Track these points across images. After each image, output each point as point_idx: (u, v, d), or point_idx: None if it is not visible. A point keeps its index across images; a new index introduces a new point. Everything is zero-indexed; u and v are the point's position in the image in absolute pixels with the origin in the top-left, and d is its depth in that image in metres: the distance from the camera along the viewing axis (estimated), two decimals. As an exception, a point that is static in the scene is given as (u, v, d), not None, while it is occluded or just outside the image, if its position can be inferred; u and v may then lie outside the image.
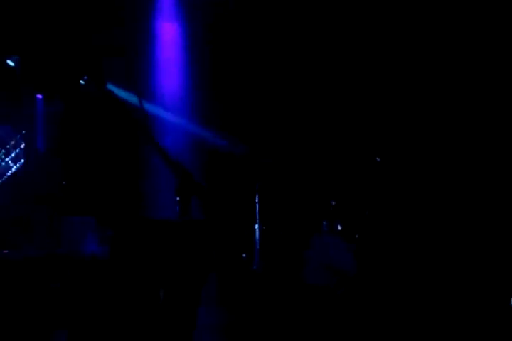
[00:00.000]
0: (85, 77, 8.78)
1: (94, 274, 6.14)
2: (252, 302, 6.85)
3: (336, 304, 6.64)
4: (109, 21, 8.88)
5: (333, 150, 9.20)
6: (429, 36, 8.49)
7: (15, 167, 9.07)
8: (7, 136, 9.10)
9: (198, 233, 5.39)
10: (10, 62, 8.66)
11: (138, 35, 9.43)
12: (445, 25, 8.34)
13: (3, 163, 8.98)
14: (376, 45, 8.92)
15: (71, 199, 9.17)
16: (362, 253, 7.64)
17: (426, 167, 8.51)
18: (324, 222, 8.22)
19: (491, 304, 6.13)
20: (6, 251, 8.03)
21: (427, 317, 5.98)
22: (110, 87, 8.29)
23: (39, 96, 9.43)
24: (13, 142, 9.08)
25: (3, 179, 8.95)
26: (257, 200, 8.54)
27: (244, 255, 8.27)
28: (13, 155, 9.07)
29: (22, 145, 9.13)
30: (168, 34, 9.86)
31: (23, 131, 9.17)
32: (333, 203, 8.29)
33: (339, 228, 8.15)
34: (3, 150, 8.97)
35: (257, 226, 8.43)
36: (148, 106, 9.47)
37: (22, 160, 9.13)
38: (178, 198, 5.34)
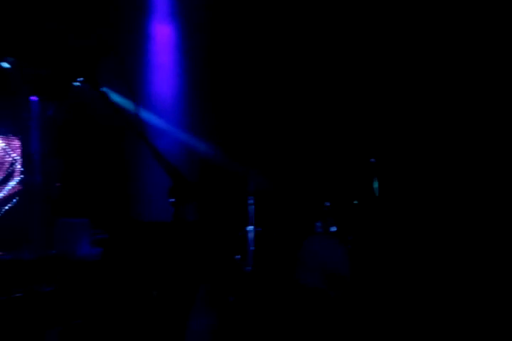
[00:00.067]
0: (80, 79, 8.78)
1: (88, 276, 6.14)
2: (245, 303, 6.84)
3: (330, 306, 6.63)
4: (103, 23, 8.87)
5: (327, 152, 9.21)
6: (422, 37, 8.51)
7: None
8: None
9: (192, 234, 5.39)
10: (5, 64, 8.65)
11: (132, 37, 9.43)
12: (442, 26, 8.35)
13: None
14: (368, 46, 8.94)
15: (65, 201, 9.16)
16: (356, 255, 7.64)
17: (421, 168, 8.52)
18: (318, 223, 8.23)
19: (490, 309, 6.13)
20: (0, 253, 8.03)
21: (423, 319, 5.97)
22: (105, 89, 8.27)
23: (34, 98, 9.41)
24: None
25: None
26: (251, 202, 8.54)
27: (238, 256, 8.26)
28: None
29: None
30: (163, 36, 9.86)
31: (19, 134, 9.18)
32: (328, 204, 8.30)
33: (333, 229, 8.16)
34: None
35: (251, 227, 8.43)
36: (140, 111, 9.49)
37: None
38: (172, 200, 5.34)
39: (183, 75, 9.90)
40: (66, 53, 8.64)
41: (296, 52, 9.39)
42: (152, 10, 9.77)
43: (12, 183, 9.02)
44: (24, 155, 9.17)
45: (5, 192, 8.93)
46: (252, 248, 8.34)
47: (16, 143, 9.20)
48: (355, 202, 8.48)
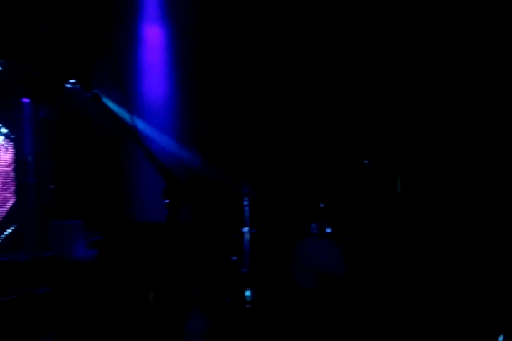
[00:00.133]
0: (72, 81, 8.74)
1: (83, 278, 6.12)
2: (241, 304, 6.85)
3: (325, 307, 6.63)
4: (95, 24, 8.86)
5: (322, 153, 9.21)
6: (414, 38, 8.53)
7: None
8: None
9: (187, 236, 5.38)
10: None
11: (124, 39, 9.42)
12: (437, 23, 8.37)
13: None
14: (359, 47, 8.95)
15: (60, 202, 9.14)
16: (352, 256, 7.64)
17: (416, 169, 8.53)
18: (313, 225, 8.22)
19: (488, 310, 6.14)
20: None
21: (419, 320, 5.98)
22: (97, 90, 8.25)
23: (26, 100, 9.38)
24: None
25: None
26: (246, 203, 8.53)
27: (234, 258, 8.25)
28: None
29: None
30: (154, 38, 9.86)
31: (13, 136, 9.15)
32: (322, 206, 8.30)
33: (328, 230, 8.16)
34: None
35: (246, 229, 8.42)
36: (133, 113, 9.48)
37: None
38: (166, 201, 5.32)
39: (173, 78, 9.89)
40: (57, 54, 8.62)
41: (288, 55, 9.39)
42: (143, 12, 9.76)
43: None
44: (17, 157, 9.14)
45: None
46: (247, 249, 8.34)
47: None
48: (350, 202, 8.49)
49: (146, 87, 9.83)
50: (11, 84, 8.85)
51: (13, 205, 8.88)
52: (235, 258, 8.20)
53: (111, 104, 8.65)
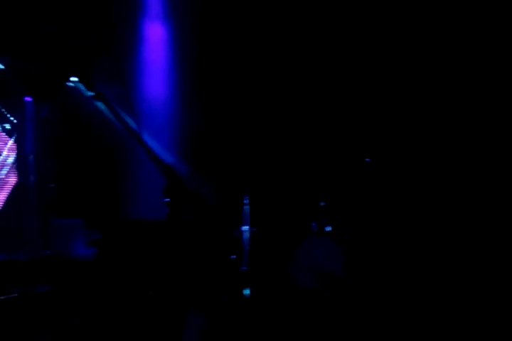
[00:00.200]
0: (74, 79, 8.77)
1: (83, 276, 6.13)
2: (241, 303, 6.85)
3: (325, 306, 6.64)
4: (97, 23, 8.87)
5: (322, 152, 9.21)
6: (412, 37, 8.52)
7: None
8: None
9: (187, 234, 5.39)
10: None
11: (126, 38, 9.42)
12: (436, 23, 8.37)
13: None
14: (359, 45, 8.95)
15: (60, 201, 9.16)
16: (352, 255, 7.64)
17: (416, 167, 8.52)
18: (314, 223, 8.22)
19: (485, 310, 6.14)
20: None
21: (418, 319, 5.98)
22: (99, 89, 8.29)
23: (28, 99, 9.40)
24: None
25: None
26: (246, 201, 8.53)
27: (233, 256, 8.24)
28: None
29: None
30: (156, 37, 9.86)
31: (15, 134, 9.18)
32: (323, 204, 8.30)
33: (328, 229, 8.16)
34: None
35: (246, 227, 8.41)
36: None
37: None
38: (167, 199, 5.34)
39: (175, 76, 9.89)
40: (59, 51, 8.64)
41: (289, 53, 9.39)
42: (145, 11, 9.77)
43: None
44: (19, 155, 9.16)
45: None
46: (247, 248, 8.33)
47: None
48: (352, 203, 8.49)
49: (148, 85, 9.83)
50: (13, 83, 8.87)
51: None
52: (235, 256, 8.19)
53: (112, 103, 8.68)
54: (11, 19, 8.17)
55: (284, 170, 9.38)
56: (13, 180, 9.10)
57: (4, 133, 9.12)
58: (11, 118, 9.19)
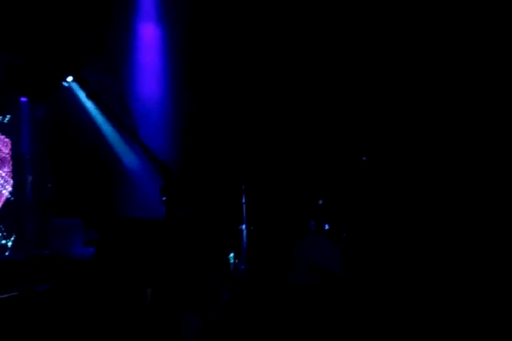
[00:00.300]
0: (68, 79, 8.77)
1: (81, 275, 6.13)
2: (239, 302, 6.85)
3: (323, 304, 6.65)
4: (91, 23, 8.86)
5: (320, 150, 9.21)
6: (409, 35, 8.53)
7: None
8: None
9: (184, 232, 5.38)
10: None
11: (119, 37, 9.41)
12: (428, 24, 8.38)
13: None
14: (354, 42, 8.95)
15: (57, 201, 9.15)
16: (349, 253, 7.65)
17: (413, 166, 8.54)
18: (311, 222, 8.23)
19: (481, 306, 6.15)
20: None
21: (415, 316, 5.98)
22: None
23: (23, 99, 9.38)
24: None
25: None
26: (243, 200, 8.54)
27: (231, 255, 8.25)
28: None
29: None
30: (149, 36, 9.86)
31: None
32: (321, 203, 8.31)
33: (326, 227, 8.17)
34: None
35: (244, 226, 8.43)
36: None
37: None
38: (164, 198, 5.32)
39: (170, 77, 9.89)
40: (54, 50, 8.63)
41: (282, 51, 9.38)
42: (139, 11, 9.76)
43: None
44: (15, 156, 9.15)
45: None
46: (244, 246, 8.35)
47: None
48: (349, 202, 8.50)
49: (141, 85, 9.83)
50: (8, 83, 8.85)
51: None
52: (232, 255, 8.21)
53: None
54: (5, 17, 8.16)
55: (281, 168, 9.38)
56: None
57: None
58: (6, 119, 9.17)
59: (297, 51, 9.29)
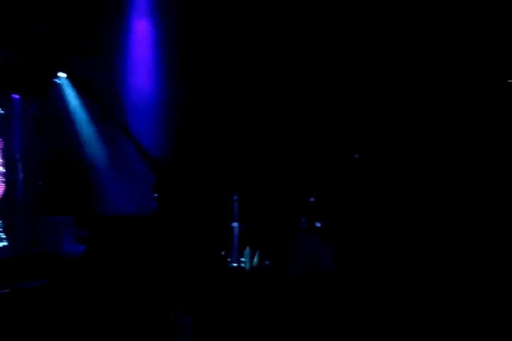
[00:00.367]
0: (62, 76, 8.74)
1: (72, 273, 6.11)
2: (230, 299, 6.84)
3: (315, 299, 6.65)
4: (82, 18, 8.84)
5: (312, 148, 9.21)
6: (404, 35, 8.54)
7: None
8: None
9: (176, 229, 5.38)
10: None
11: (112, 32, 9.39)
12: (420, 23, 8.39)
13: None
14: (347, 39, 8.96)
15: (48, 199, 9.12)
16: (340, 250, 7.66)
17: (405, 163, 8.55)
18: (303, 219, 8.24)
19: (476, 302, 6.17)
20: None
21: (407, 312, 6.00)
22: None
23: (15, 96, 9.34)
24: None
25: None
26: (235, 198, 8.53)
27: (223, 252, 8.24)
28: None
29: None
30: (142, 31, 9.83)
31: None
32: (312, 200, 8.31)
33: (318, 225, 8.18)
34: None
35: (236, 224, 8.42)
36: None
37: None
38: (156, 195, 5.32)
39: (163, 73, 9.87)
40: (45, 45, 8.60)
41: (275, 47, 9.38)
42: (131, 6, 9.73)
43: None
44: (6, 153, 9.10)
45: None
46: (236, 244, 8.34)
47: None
48: (341, 199, 8.51)
49: (135, 80, 9.80)
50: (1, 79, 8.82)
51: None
52: (224, 252, 8.20)
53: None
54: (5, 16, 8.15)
55: (273, 166, 9.38)
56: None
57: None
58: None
59: (290, 46, 9.28)
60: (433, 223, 7.95)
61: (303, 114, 9.33)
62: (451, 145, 8.24)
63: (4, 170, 8.94)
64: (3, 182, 8.89)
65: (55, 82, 9.03)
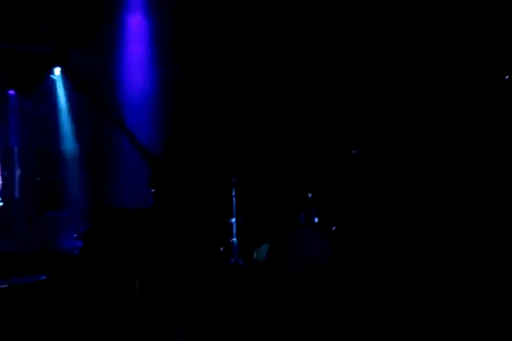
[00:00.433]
0: (57, 71, 8.74)
1: (71, 268, 6.11)
2: (229, 295, 6.85)
3: (312, 296, 6.66)
4: (78, 13, 8.83)
5: (309, 143, 9.22)
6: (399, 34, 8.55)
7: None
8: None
9: (173, 224, 5.37)
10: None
11: (106, 28, 9.39)
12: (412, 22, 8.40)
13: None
14: (338, 39, 8.97)
15: (46, 194, 9.14)
16: (338, 245, 7.66)
17: (403, 159, 8.55)
18: (301, 215, 8.24)
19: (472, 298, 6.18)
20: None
21: (404, 309, 6.00)
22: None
23: (12, 92, 9.34)
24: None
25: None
26: (233, 194, 8.53)
27: (221, 248, 8.25)
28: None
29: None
30: (137, 27, 9.83)
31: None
32: (310, 196, 8.32)
33: (316, 220, 8.18)
34: None
35: (234, 219, 8.42)
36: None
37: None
38: (153, 190, 5.31)
39: (157, 68, 9.88)
40: (41, 41, 8.61)
41: (270, 43, 9.38)
42: (126, 2, 9.73)
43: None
44: (3, 149, 9.11)
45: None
46: (235, 240, 8.35)
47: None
48: (338, 195, 8.51)
49: (130, 75, 9.80)
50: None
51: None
52: (222, 248, 8.21)
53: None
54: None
55: (271, 161, 9.38)
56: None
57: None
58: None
59: (285, 42, 9.28)
60: (431, 219, 7.95)
61: (300, 109, 9.33)
62: (449, 140, 8.24)
63: (1, 166, 8.95)
64: (1, 178, 8.90)
65: (51, 78, 9.04)
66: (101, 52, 9.43)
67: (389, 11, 8.54)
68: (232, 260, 8.17)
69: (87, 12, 8.84)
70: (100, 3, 9.03)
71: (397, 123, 8.65)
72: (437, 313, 5.80)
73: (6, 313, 5.41)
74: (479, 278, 6.54)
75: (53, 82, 9.05)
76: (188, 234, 6.57)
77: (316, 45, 9.15)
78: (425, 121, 8.43)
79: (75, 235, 8.15)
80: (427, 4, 8.33)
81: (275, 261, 7.65)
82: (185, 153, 9.50)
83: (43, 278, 6.23)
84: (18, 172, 9.10)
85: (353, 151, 8.49)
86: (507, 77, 7.97)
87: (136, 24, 9.84)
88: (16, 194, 9.00)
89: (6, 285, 5.87)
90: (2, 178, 8.89)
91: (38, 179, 9.24)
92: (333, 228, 7.92)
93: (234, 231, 8.35)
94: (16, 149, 9.23)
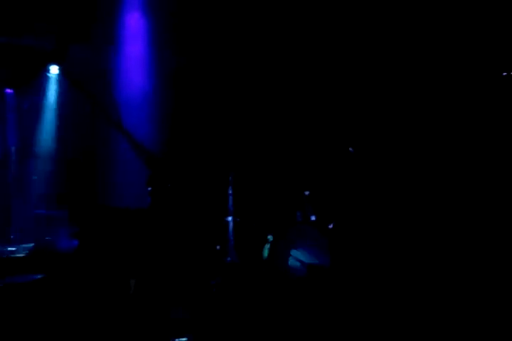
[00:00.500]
0: (53, 69, 8.72)
1: (67, 267, 6.11)
2: (226, 293, 6.85)
3: (310, 294, 6.66)
4: (75, 11, 8.82)
5: (306, 141, 9.21)
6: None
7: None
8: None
9: (170, 223, 5.37)
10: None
11: (104, 26, 9.38)
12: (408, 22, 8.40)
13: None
14: (335, 38, 8.97)
15: (44, 193, 9.13)
16: (336, 244, 7.65)
17: (400, 157, 8.54)
18: (298, 213, 8.23)
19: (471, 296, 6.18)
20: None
21: (401, 307, 6.00)
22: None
23: (9, 91, 9.33)
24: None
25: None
26: (230, 192, 8.51)
27: (218, 247, 8.24)
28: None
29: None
30: (135, 26, 9.82)
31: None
32: (307, 193, 8.30)
33: (313, 218, 8.17)
34: None
35: (230, 218, 8.40)
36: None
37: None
38: (149, 189, 5.31)
39: (154, 67, 9.87)
40: (38, 38, 8.60)
41: (269, 42, 9.38)
42: (125, 2, 9.73)
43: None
44: (0, 148, 9.11)
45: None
46: (231, 238, 8.33)
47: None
48: (336, 193, 8.50)
49: (127, 74, 9.79)
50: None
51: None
52: (219, 247, 8.19)
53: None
54: None
55: (268, 159, 9.38)
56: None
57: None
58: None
59: (282, 41, 9.28)
60: (428, 217, 7.95)
61: (297, 107, 9.33)
62: (447, 137, 8.23)
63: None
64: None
65: (48, 76, 9.02)
66: (99, 51, 9.42)
67: (388, 10, 8.55)
68: (229, 258, 8.15)
69: (85, 10, 8.83)
70: (99, 2, 9.04)
71: (394, 120, 8.64)
72: (436, 312, 5.80)
73: (1, 312, 5.42)
74: (478, 275, 6.54)
75: (49, 79, 9.03)
76: (185, 232, 6.57)
77: (312, 42, 9.15)
78: (423, 119, 8.42)
79: (70, 234, 8.14)
80: (426, 4, 8.33)
81: (273, 259, 7.65)
82: (181, 152, 9.49)
83: (38, 277, 6.24)
84: (15, 170, 9.11)
85: (350, 149, 8.48)
86: (504, 73, 7.97)
87: (134, 23, 9.83)
88: (13, 192, 9.00)
89: (1, 285, 5.87)
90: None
91: (35, 177, 9.26)
92: (331, 226, 7.91)
93: (230, 229, 8.33)
94: (13, 149, 9.23)
